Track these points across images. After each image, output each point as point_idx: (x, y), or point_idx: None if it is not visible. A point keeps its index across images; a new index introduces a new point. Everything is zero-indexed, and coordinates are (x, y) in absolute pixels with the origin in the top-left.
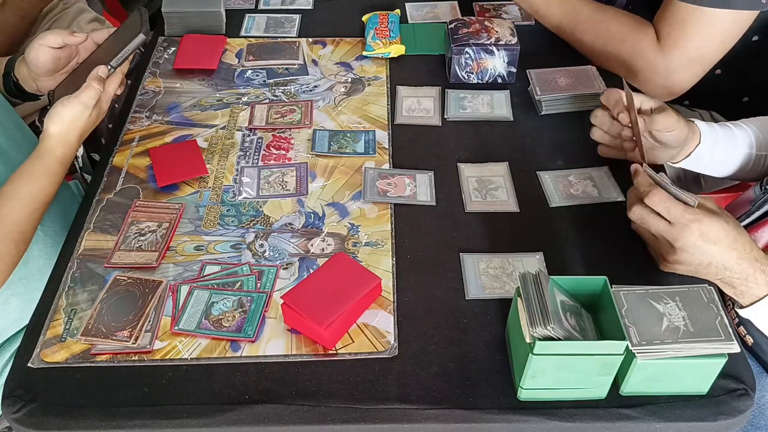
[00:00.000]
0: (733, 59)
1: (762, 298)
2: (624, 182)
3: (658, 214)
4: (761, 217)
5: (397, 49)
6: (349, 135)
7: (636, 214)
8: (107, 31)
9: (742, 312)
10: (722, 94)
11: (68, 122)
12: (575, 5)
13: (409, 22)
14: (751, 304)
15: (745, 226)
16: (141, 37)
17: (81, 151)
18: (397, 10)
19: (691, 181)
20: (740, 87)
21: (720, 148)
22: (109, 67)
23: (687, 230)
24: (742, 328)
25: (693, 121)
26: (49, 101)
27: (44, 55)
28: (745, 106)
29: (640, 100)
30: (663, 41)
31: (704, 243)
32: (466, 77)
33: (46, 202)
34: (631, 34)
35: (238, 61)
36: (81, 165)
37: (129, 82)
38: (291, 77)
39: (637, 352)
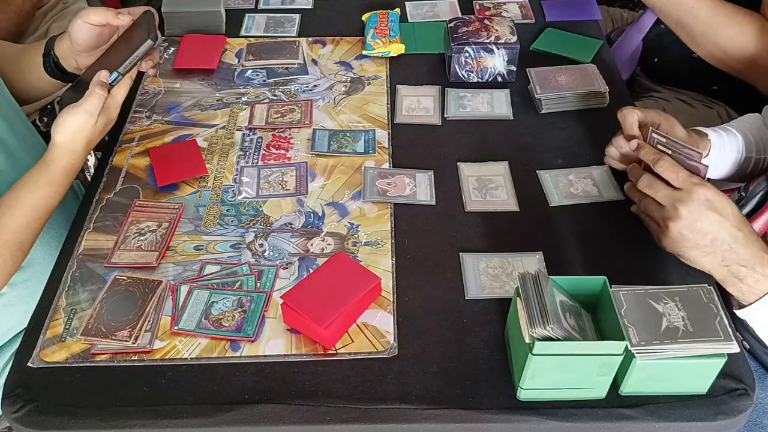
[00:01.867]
0: None
1: (766, 293)
2: (624, 181)
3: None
4: None
5: (396, 48)
6: (348, 134)
7: (644, 182)
8: (142, 9)
9: (742, 312)
10: (696, 77)
11: (73, 131)
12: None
13: (409, 21)
14: (755, 300)
15: None
16: (149, 43)
17: (92, 160)
18: (397, 9)
19: None
20: (715, 73)
21: (725, 154)
22: (117, 74)
23: (694, 192)
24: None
25: (705, 133)
26: (57, 108)
27: (86, 31)
28: (715, 93)
29: (658, 123)
30: None
31: (709, 209)
32: (466, 76)
33: (47, 212)
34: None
35: (238, 61)
36: (92, 170)
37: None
38: (291, 77)
39: (637, 353)
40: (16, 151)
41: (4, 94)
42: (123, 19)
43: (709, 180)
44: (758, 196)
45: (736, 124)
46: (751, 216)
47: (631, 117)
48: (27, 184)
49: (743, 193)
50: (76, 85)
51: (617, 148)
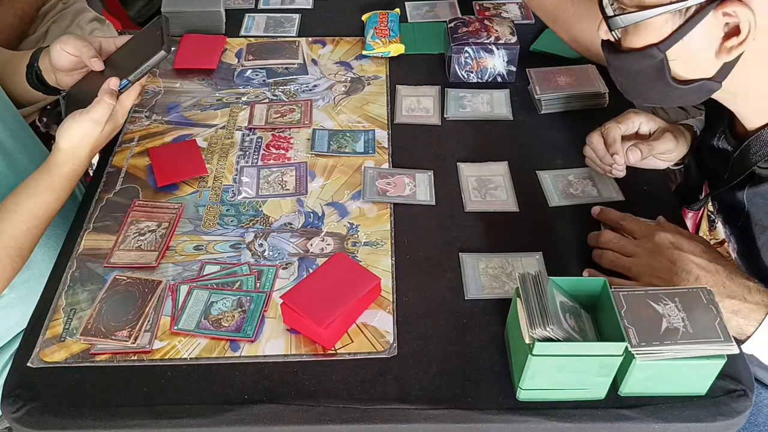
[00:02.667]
0: None
1: (763, 320)
2: (623, 182)
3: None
4: None
5: (396, 49)
6: (348, 134)
7: (607, 235)
8: (126, 39)
9: (746, 346)
10: None
11: (78, 138)
12: None
13: (409, 21)
14: (755, 331)
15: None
16: (162, 54)
17: (95, 156)
18: (397, 9)
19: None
20: None
21: None
22: (127, 81)
23: (656, 236)
24: None
25: (692, 126)
26: (64, 103)
27: (64, 57)
28: None
29: (639, 123)
30: None
31: (677, 250)
32: (466, 76)
33: (48, 218)
34: None
35: (238, 61)
36: (93, 169)
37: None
38: (291, 77)
39: (637, 353)
40: (14, 152)
41: (1, 96)
42: (95, 65)
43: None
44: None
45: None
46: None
47: (614, 131)
48: (28, 189)
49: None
50: (83, 82)
51: (589, 144)
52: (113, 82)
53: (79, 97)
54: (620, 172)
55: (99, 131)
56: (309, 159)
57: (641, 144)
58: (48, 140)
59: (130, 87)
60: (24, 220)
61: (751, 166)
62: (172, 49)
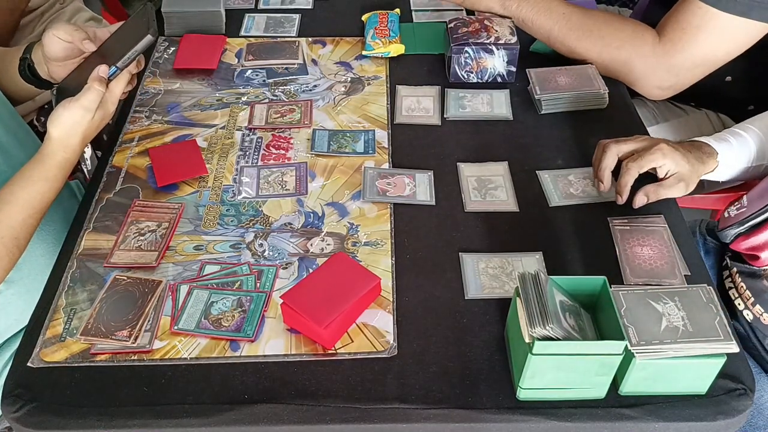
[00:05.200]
0: (745, 68)
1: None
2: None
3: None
4: None
5: (396, 49)
6: (348, 134)
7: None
8: (118, 27)
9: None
10: (729, 100)
11: (69, 126)
12: (564, 13)
13: (414, 21)
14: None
15: (760, 223)
16: (148, 38)
17: (89, 152)
18: (397, 10)
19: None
20: (748, 95)
21: (735, 163)
22: (115, 68)
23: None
24: (758, 307)
25: (714, 148)
26: (54, 97)
27: (55, 44)
28: (751, 114)
29: (662, 164)
30: (670, 44)
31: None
32: (466, 76)
33: (43, 207)
34: (628, 40)
35: (238, 61)
36: (89, 168)
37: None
38: (291, 77)
39: (636, 352)
40: (10, 148)
41: None
42: (87, 46)
43: (710, 182)
44: None
45: (753, 127)
46: (759, 227)
47: (630, 175)
48: (22, 180)
49: (744, 203)
50: (72, 76)
51: (602, 157)
52: (102, 69)
53: (70, 89)
54: (603, 189)
55: (89, 118)
56: (309, 159)
57: (651, 191)
58: None
59: (119, 74)
60: (19, 211)
61: None
62: (172, 49)
